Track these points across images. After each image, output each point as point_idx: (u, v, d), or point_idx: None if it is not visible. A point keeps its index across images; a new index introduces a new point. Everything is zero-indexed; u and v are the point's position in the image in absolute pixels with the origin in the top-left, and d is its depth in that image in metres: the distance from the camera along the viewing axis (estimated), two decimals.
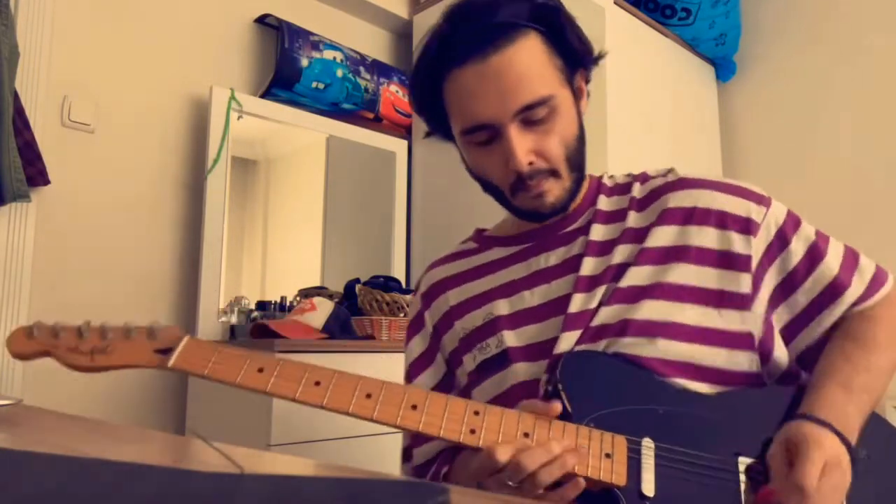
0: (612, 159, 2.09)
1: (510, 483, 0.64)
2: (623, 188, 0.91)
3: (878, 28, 2.40)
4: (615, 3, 2.27)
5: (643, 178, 0.92)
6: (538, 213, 0.85)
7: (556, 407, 0.69)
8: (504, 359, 0.83)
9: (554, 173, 0.82)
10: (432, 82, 0.84)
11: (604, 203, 0.90)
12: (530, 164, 0.80)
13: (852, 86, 2.45)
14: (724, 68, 2.76)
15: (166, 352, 0.69)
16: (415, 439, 0.92)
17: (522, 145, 0.79)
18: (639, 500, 0.67)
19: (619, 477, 0.67)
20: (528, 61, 0.78)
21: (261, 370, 0.67)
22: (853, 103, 2.44)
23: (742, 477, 0.70)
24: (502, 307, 0.87)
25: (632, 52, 2.30)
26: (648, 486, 0.67)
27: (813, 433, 0.67)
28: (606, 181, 0.93)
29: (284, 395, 0.66)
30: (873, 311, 0.81)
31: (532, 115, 0.78)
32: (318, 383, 0.67)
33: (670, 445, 0.70)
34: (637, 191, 0.89)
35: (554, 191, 0.83)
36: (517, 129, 0.79)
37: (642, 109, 2.34)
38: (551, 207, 0.84)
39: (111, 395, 1.74)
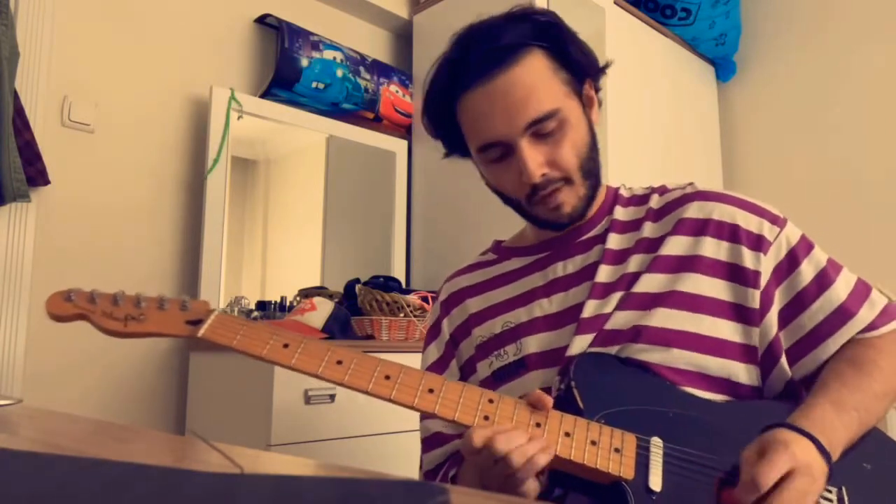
0: (612, 159, 2.09)
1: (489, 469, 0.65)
2: (641, 199, 0.93)
3: (877, 28, 2.40)
4: (615, 3, 2.27)
5: (662, 190, 0.93)
6: (557, 224, 0.88)
7: (547, 399, 0.71)
8: (521, 366, 0.85)
9: (567, 181, 0.84)
10: (445, 108, 0.87)
11: (620, 213, 0.92)
12: (543, 175, 0.82)
13: (852, 86, 2.45)
14: (724, 68, 2.76)
15: (196, 323, 0.71)
16: (425, 447, 0.94)
17: (534, 158, 0.82)
18: (645, 494, 0.68)
19: (627, 470, 0.68)
20: (533, 78, 0.81)
21: (286, 346, 0.70)
22: (853, 103, 2.44)
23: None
24: (521, 315, 0.89)
25: (632, 52, 2.30)
26: (656, 481, 0.68)
27: (786, 438, 0.66)
28: (623, 192, 0.95)
29: (307, 371, 0.69)
30: (879, 340, 0.80)
31: (541, 129, 0.81)
32: (339, 362, 0.69)
33: (678, 446, 0.71)
34: (655, 202, 0.91)
35: (570, 201, 0.85)
36: (528, 143, 0.82)
37: (642, 109, 2.34)
38: (569, 217, 0.86)
39: (111, 395, 1.74)
